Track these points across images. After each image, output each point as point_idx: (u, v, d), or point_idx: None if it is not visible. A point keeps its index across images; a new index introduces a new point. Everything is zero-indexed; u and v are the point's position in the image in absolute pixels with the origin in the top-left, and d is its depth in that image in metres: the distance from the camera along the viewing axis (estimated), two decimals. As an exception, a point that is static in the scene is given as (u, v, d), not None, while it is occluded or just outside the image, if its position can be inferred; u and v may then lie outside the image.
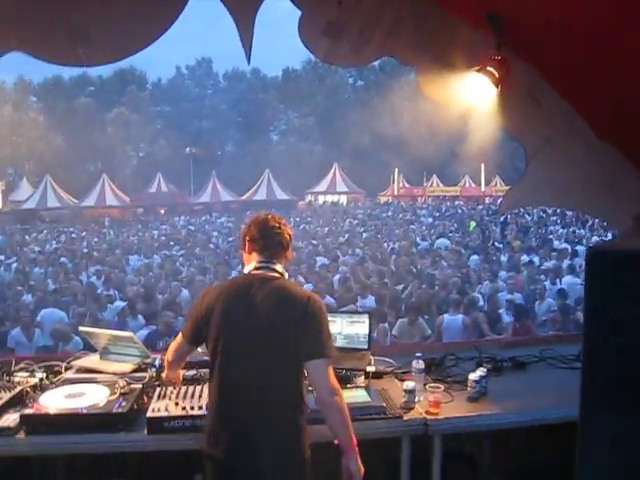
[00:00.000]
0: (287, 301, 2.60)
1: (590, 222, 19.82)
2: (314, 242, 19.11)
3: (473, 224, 21.02)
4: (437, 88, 4.04)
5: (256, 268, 2.71)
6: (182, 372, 3.20)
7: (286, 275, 2.78)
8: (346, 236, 20.71)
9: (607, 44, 3.23)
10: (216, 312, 2.59)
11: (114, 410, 2.79)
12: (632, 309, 1.33)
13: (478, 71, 3.79)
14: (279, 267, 2.73)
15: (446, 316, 8.08)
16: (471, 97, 3.95)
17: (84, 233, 26.61)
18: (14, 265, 15.44)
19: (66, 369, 3.47)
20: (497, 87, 3.82)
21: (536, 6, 3.37)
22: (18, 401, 2.97)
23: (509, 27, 3.57)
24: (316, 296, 2.73)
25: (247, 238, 2.79)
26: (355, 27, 3.79)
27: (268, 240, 2.73)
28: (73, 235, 25.85)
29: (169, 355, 2.89)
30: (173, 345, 2.87)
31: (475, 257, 14.73)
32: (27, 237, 24.68)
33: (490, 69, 3.75)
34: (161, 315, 7.60)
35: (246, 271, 2.77)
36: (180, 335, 2.80)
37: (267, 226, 2.76)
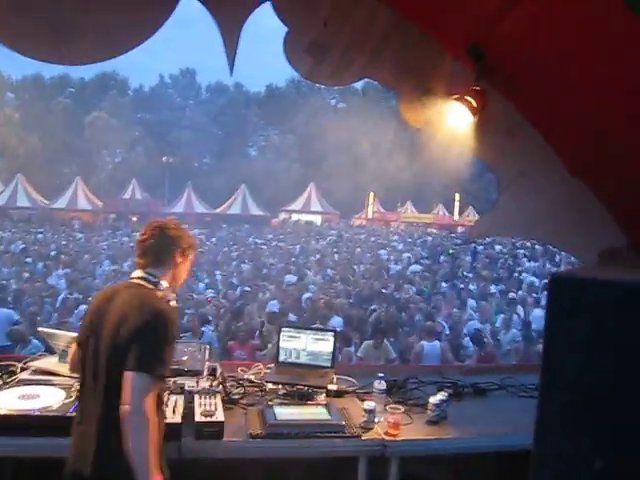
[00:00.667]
0: (134, 308, 2.45)
1: (558, 257, 20.16)
2: (285, 260, 19.10)
3: (451, 251, 21.35)
4: (417, 113, 4.11)
5: (136, 277, 2.61)
6: None
7: (163, 285, 2.59)
8: (317, 256, 20.74)
9: (585, 83, 3.32)
10: (83, 319, 2.67)
11: (69, 413, 2.73)
12: (588, 332, 1.36)
13: (457, 99, 3.87)
14: (158, 272, 2.59)
15: (425, 343, 8.12)
16: (449, 124, 4.02)
17: (53, 235, 26.21)
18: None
19: (22, 370, 3.38)
20: (474, 116, 3.90)
21: (517, 42, 3.47)
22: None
23: (489, 61, 3.66)
24: (167, 313, 2.50)
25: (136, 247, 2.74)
26: (338, 48, 3.85)
27: (145, 247, 2.62)
28: (40, 236, 25.42)
29: (68, 367, 2.91)
30: (70, 354, 2.86)
31: (445, 285, 14.86)
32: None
33: (468, 98, 3.83)
34: None
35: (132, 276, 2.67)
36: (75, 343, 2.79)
37: (148, 231, 2.64)
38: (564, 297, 1.35)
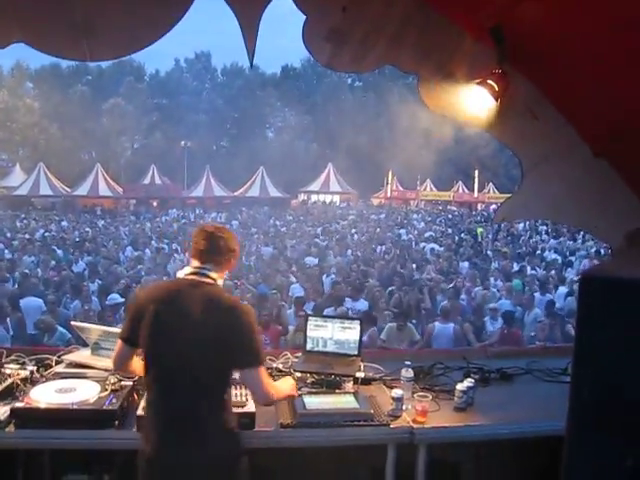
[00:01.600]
0: (216, 307, 2.65)
1: (581, 234, 19.95)
2: (306, 242, 19.16)
3: (480, 230, 20.99)
4: (437, 98, 4.07)
5: (190, 273, 2.78)
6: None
7: (219, 282, 2.83)
8: (337, 237, 20.76)
9: (607, 62, 3.27)
10: (148, 314, 2.63)
11: (105, 407, 2.81)
12: (620, 331, 1.36)
13: (478, 84, 3.83)
14: (213, 274, 2.78)
15: (437, 324, 8.12)
16: (471, 109, 3.99)
17: (76, 222, 26.55)
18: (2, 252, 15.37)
19: (57, 363, 3.47)
20: (496, 100, 3.86)
21: (539, 23, 3.41)
22: (8, 393, 2.98)
23: (511, 42, 3.61)
24: (245, 304, 2.84)
25: (192, 245, 2.87)
26: (358, 34, 3.81)
27: (206, 247, 2.79)
28: (64, 224, 25.76)
29: (113, 366, 2.91)
30: (114, 355, 2.86)
31: (466, 264, 14.80)
32: (18, 224, 24.55)
33: (490, 82, 3.78)
34: None
35: (180, 275, 2.83)
36: (119, 340, 2.81)
37: (211, 234, 2.83)
38: (595, 297, 1.35)
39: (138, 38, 3.61)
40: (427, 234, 22.70)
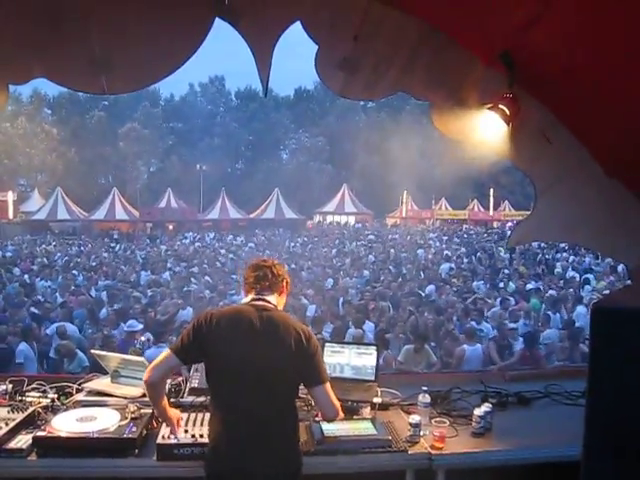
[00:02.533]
0: (285, 330, 2.76)
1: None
2: (321, 263, 19.18)
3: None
4: (450, 124, 4.11)
5: (252, 299, 2.90)
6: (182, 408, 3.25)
7: (280, 307, 2.98)
8: (352, 258, 20.75)
9: (618, 83, 3.30)
10: (216, 337, 2.71)
11: (125, 435, 2.84)
12: (635, 364, 1.37)
13: (490, 109, 3.87)
14: (272, 299, 2.93)
15: (467, 347, 8.08)
16: (483, 134, 4.02)
17: (93, 246, 26.83)
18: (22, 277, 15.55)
19: (77, 391, 3.52)
20: (508, 124, 3.89)
21: (550, 47, 3.45)
22: (30, 422, 3.02)
23: (522, 64, 3.65)
24: (308, 327, 2.96)
25: (244, 281, 3.03)
26: (370, 63, 3.88)
27: (259, 277, 2.94)
28: (81, 248, 26.04)
29: (149, 374, 2.74)
30: (155, 363, 2.77)
31: (480, 283, 14.70)
32: (37, 248, 24.85)
33: (502, 107, 3.82)
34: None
35: (243, 302, 2.94)
36: (169, 351, 2.78)
37: (258, 265, 3.00)
38: (606, 328, 1.37)
39: (154, 72, 3.71)
40: (444, 253, 22.62)
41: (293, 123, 58.54)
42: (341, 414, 2.86)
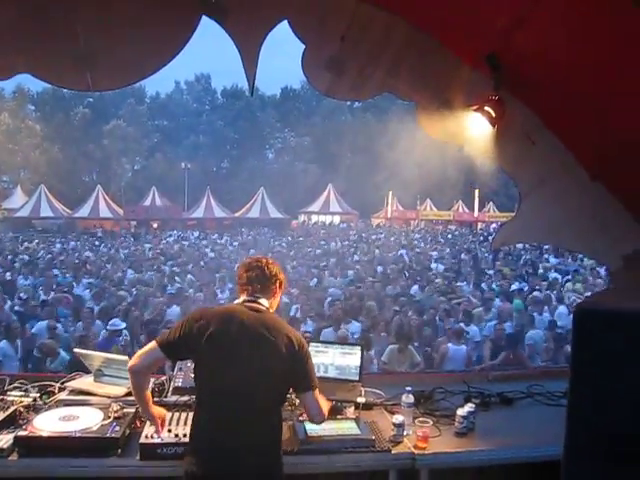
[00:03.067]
0: (276, 335, 2.73)
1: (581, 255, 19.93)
2: (306, 263, 19.16)
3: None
4: (435, 125, 4.14)
5: (244, 301, 2.87)
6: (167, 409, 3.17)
7: (272, 310, 2.94)
8: (336, 258, 20.76)
9: (604, 87, 3.34)
10: (205, 336, 2.67)
11: (107, 435, 2.82)
12: (614, 364, 1.39)
13: (475, 110, 3.90)
14: (264, 301, 2.88)
15: (450, 346, 8.14)
16: (468, 135, 4.05)
17: (77, 244, 26.58)
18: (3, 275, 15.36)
19: (60, 390, 3.48)
20: (493, 126, 3.92)
21: (535, 50, 3.49)
22: (11, 421, 2.99)
23: (507, 68, 3.68)
24: (299, 334, 2.93)
25: (237, 280, 2.99)
26: (356, 63, 3.90)
27: (251, 278, 2.90)
28: (64, 246, 25.79)
29: (134, 361, 2.74)
30: (141, 352, 2.77)
31: (463, 284, 14.77)
32: (19, 246, 24.56)
33: (487, 109, 3.85)
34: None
35: (236, 303, 2.91)
36: (154, 344, 2.75)
37: (251, 265, 2.96)
38: (588, 329, 1.38)
39: (140, 69, 3.69)
40: (428, 254, 22.70)
41: (279, 122, 58.39)
42: (325, 418, 2.88)
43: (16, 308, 10.56)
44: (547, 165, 4.25)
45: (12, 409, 3.07)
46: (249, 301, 2.85)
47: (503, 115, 3.89)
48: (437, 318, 10.29)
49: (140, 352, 2.77)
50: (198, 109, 58.89)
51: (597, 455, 1.46)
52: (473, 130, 4.00)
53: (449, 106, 4.04)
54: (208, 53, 54.17)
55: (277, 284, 2.97)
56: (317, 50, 3.89)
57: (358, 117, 54.79)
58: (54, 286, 13.50)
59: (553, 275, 16.71)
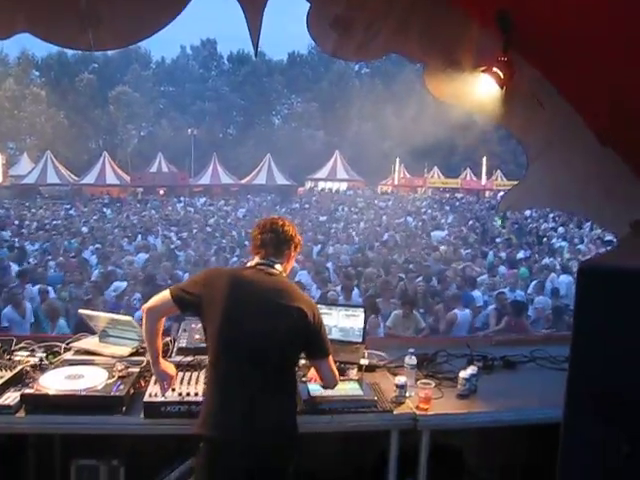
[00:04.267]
0: (289, 300, 2.68)
1: (588, 222, 19.84)
2: (312, 229, 19.18)
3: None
4: (443, 87, 4.06)
5: (257, 264, 2.81)
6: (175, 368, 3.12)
7: (286, 273, 2.89)
8: (343, 225, 20.78)
9: (616, 53, 3.25)
10: (218, 297, 2.65)
11: (112, 393, 2.85)
12: (617, 322, 1.38)
13: (484, 71, 3.82)
14: (278, 266, 2.82)
15: (457, 312, 8.17)
16: (476, 97, 3.98)
17: (84, 211, 26.63)
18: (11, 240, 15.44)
19: (65, 350, 3.52)
20: (502, 88, 3.85)
21: (545, 10, 3.39)
22: (18, 380, 3.02)
23: (517, 28, 3.59)
24: (313, 300, 2.89)
25: (251, 241, 2.92)
26: (363, 22, 3.80)
27: (266, 240, 2.83)
28: (71, 212, 25.86)
29: (150, 304, 2.76)
30: (156, 298, 2.77)
31: (469, 251, 14.76)
32: (27, 213, 24.64)
33: (496, 70, 3.77)
34: None
35: (249, 265, 2.86)
36: (168, 293, 2.73)
37: (266, 226, 2.87)
38: (592, 288, 1.36)
39: (143, 27, 3.61)
40: (434, 221, 22.65)
41: (286, 88, 57.81)
42: (338, 383, 2.91)
43: (22, 273, 10.60)
44: (556, 129, 4.17)
45: (19, 368, 3.10)
46: (262, 264, 2.79)
47: (512, 77, 3.80)
48: (441, 285, 10.31)
49: (155, 298, 2.77)
50: (204, 75, 58.30)
51: (598, 414, 1.45)
52: (481, 92, 3.92)
53: (457, 67, 3.95)
54: (213, 18, 53.39)
55: (292, 247, 2.91)
56: (322, 9, 3.80)
57: (366, 83, 54.13)
58: (61, 251, 13.59)
59: (560, 244, 16.66)
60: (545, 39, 3.66)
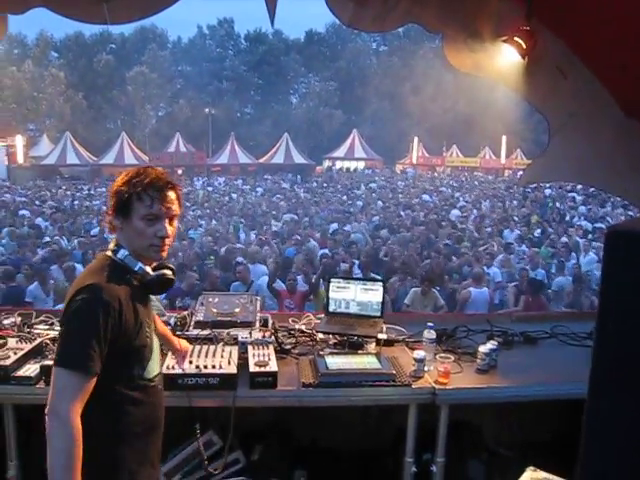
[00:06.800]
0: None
1: (611, 200, 19.52)
2: (330, 208, 19.15)
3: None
4: (463, 57, 3.96)
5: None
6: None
7: (123, 252, 2.16)
8: (361, 203, 20.70)
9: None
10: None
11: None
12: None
13: (505, 41, 3.73)
14: (112, 242, 2.22)
15: (472, 289, 8.12)
16: (497, 67, 3.89)
17: (103, 190, 26.79)
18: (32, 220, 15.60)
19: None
20: (524, 58, 3.76)
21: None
22: (38, 352, 3.06)
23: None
24: (89, 289, 1.99)
25: None
26: (382, -8, 3.72)
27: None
28: (91, 192, 26.04)
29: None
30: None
31: (489, 229, 14.64)
32: (47, 192, 24.86)
33: (517, 40, 3.68)
34: (186, 275, 7.78)
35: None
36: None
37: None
38: (620, 252, 1.31)
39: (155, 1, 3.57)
40: (453, 200, 22.45)
41: (303, 67, 57.43)
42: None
43: (44, 253, 10.73)
44: (579, 100, 4.06)
45: (38, 341, 3.13)
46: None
47: (534, 47, 3.71)
48: (459, 262, 10.27)
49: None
50: (221, 54, 58.13)
51: (623, 389, 1.40)
52: (503, 62, 3.84)
53: (478, 37, 3.85)
54: (231, -4, 53.04)
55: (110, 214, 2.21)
56: (340, -21, 3.72)
57: (384, 61, 53.62)
58: (82, 232, 13.71)
59: (582, 223, 16.43)
60: (568, 6, 3.55)
